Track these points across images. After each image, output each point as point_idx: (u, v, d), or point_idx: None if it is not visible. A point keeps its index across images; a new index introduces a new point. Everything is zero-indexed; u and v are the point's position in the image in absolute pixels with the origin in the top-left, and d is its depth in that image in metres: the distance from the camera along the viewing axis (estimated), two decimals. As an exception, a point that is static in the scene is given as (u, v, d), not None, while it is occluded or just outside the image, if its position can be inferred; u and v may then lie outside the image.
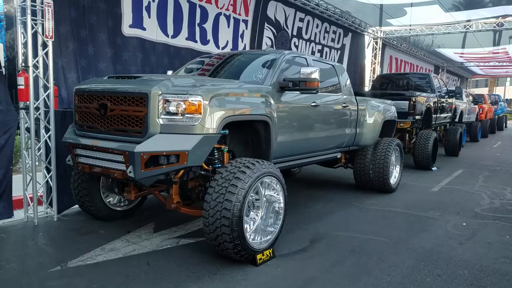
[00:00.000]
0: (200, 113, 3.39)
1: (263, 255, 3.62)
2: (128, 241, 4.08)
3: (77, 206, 4.75)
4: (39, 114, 4.67)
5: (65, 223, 4.67)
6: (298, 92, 4.54)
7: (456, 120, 12.43)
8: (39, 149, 4.76)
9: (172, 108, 3.35)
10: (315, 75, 4.21)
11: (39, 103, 4.64)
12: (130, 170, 3.31)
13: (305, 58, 5.13)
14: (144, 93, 3.35)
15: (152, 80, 3.55)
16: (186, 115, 3.36)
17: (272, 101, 4.16)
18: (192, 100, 3.37)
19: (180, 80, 3.71)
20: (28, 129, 4.66)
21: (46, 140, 4.74)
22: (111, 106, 3.55)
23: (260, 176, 3.53)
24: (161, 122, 3.36)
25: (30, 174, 4.65)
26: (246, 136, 4.30)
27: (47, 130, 4.73)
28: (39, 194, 4.76)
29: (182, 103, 3.35)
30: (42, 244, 4.07)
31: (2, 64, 4.69)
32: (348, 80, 6.00)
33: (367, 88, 13.00)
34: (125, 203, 4.78)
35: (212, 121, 3.47)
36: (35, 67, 4.58)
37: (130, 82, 3.62)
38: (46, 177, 4.78)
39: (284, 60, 4.68)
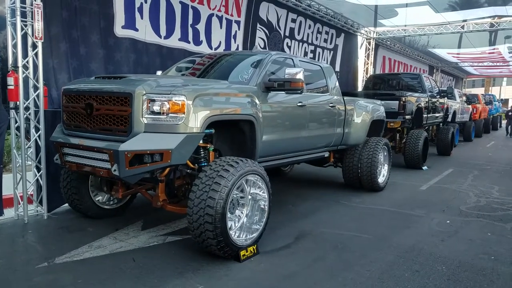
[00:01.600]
0: (184, 113, 3.46)
1: (246, 251, 3.70)
2: (116, 238, 4.15)
3: (67, 204, 4.83)
4: (29, 114, 4.74)
5: (55, 221, 4.74)
6: (284, 92, 4.63)
7: (449, 119, 12.54)
8: (29, 148, 4.84)
9: (156, 108, 3.43)
10: (300, 76, 4.29)
11: (29, 103, 4.70)
12: (115, 168, 3.39)
13: (292, 59, 5.21)
14: (128, 93, 3.43)
15: (137, 80, 3.63)
16: (170, 115, 3.44)
17: (257, 101, 4.24)
18: (175, 100, 3.44)
19: (165, 80, 3.79)
20: (18, 129, 4.73)
21: (36, 139, 4.81)
22: (97, 106, 3.63)
23: (243, 174, 3.62)
24: (145, 121, 3.44)
25: (21, 173, 4.72)
26: (232, 135, 4.38)
27: (37, 129, 4.80)
28: (29, 192, 4.83)
29: (166, 102, 3.43)
30: (31, 242, 4.15)
31: None
32: (336, 81, 6.08)
33: (360, 88, 13.09)
34: (114, 201, 4.85)
35: (196, 121, 3.55)
36: (25, 67, 4.65)
37: (115, 82, 3.69)
38: (36, 176, 4.85)
39: (270, 61, 4.76)
